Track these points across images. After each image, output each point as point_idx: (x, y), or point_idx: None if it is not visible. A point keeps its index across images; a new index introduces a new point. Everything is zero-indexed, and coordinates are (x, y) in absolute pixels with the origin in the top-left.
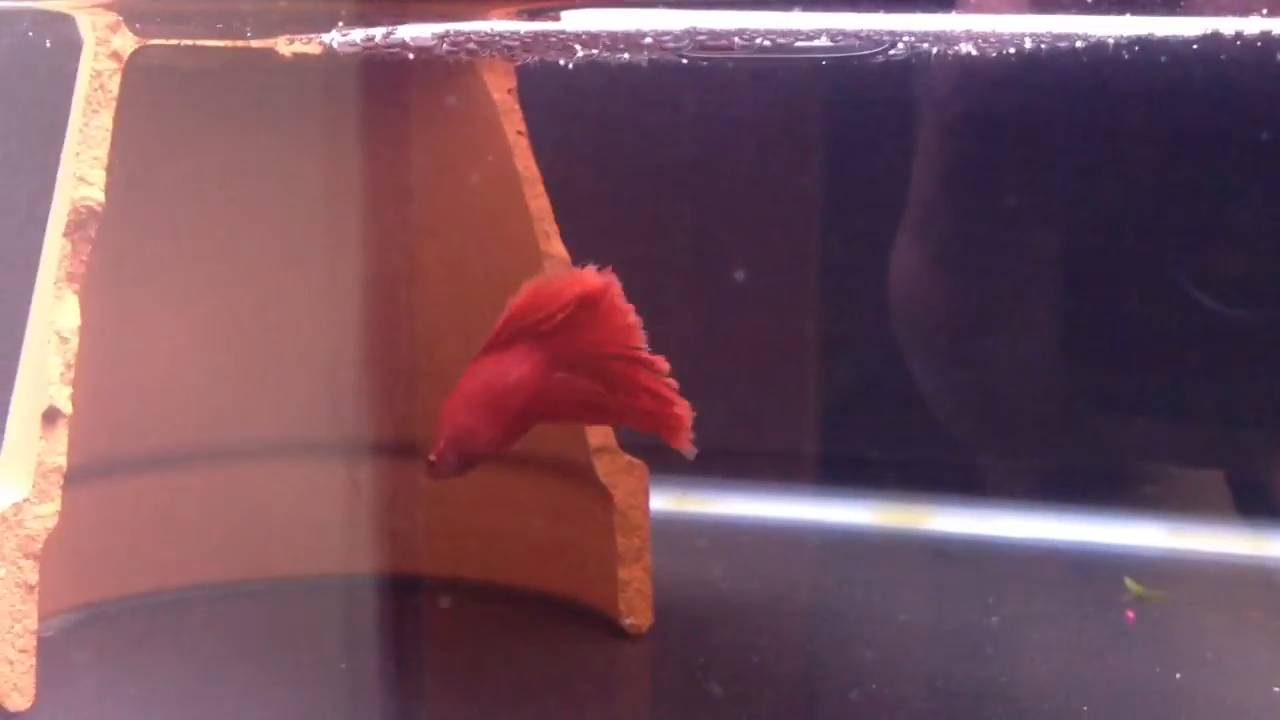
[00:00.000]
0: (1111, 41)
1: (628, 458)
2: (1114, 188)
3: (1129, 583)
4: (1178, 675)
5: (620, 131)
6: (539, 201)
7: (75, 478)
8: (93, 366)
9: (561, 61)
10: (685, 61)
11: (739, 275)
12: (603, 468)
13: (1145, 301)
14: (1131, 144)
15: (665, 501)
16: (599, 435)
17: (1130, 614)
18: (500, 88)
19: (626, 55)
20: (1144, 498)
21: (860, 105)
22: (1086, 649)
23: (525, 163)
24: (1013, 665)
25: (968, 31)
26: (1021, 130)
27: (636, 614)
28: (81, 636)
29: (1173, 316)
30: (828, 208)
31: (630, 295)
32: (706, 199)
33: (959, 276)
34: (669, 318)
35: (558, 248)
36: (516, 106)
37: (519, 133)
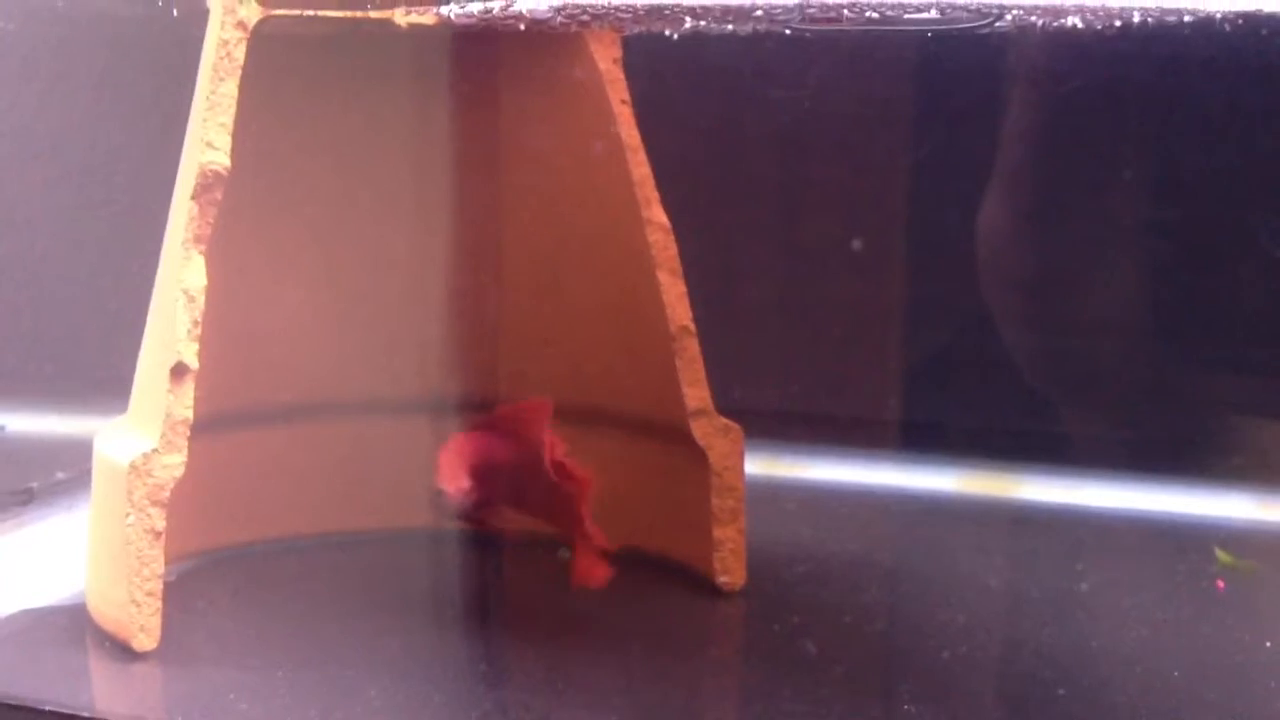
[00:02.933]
0: (1219, 15)
1: (723, 420)
2: (1204, 155)
3: (1219, 552)
4: (1268, 643)
5: (711, 99)
6: (641, 169)
7: (194, 430)
8: (211, 324)
9: (668, 33)
10: (789, 33)
11: (856, 244)
12: (699, 430)
13: (1231, 264)
14: (1223, 115)
15: (755, 466)
16: (695, 398)
17: (1220, 583)
18: (606, 58)
19: (732, 27)
20: (1232, 469)
21: (947, 73)
22: (1177, 616)
23: (629, 131)
24: (1104, 631)
25: (1077, 5)
26: (1115, 98)
27: (731, 573)
28: (201, 582)
29: (1261, 280)
30: (914, 175)
31: (717, 261)
32: (793, 167)
33: (1046, 238)
34: (755, 283)
35: (658, 214)
36: (621, 76)
37: (623, 101)
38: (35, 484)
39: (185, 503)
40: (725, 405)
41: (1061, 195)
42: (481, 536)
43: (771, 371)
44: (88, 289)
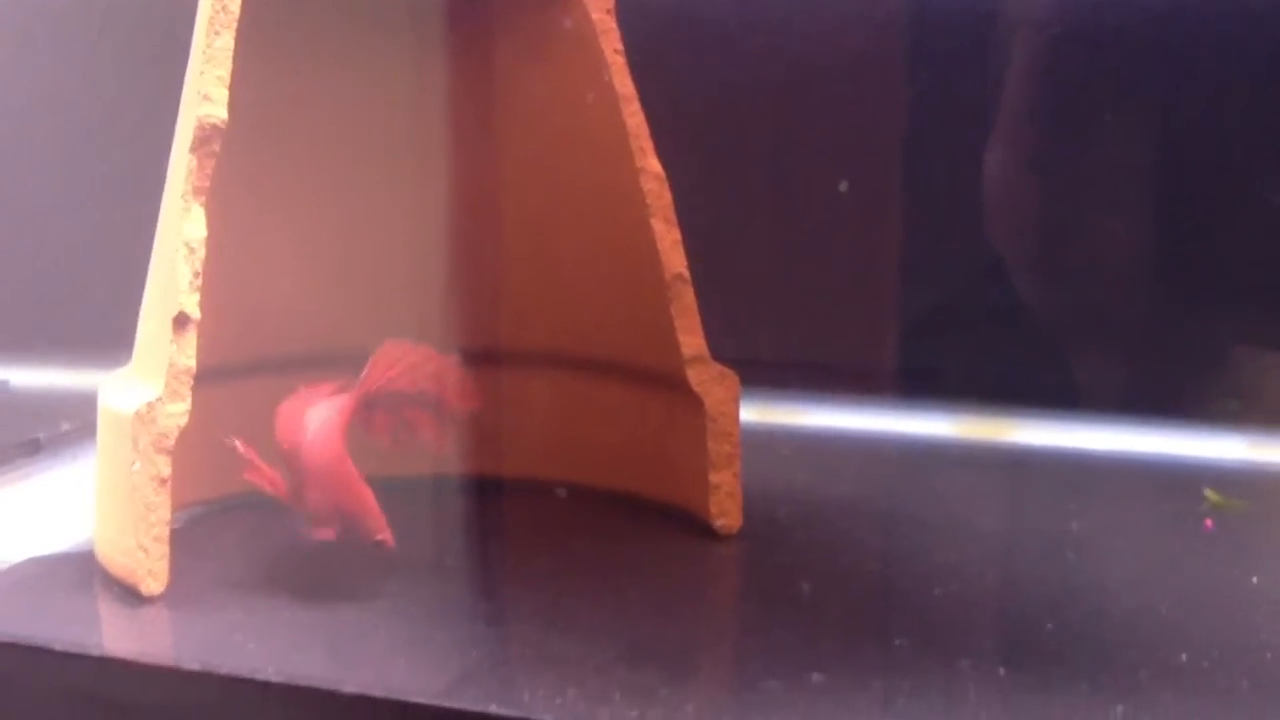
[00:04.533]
0: None
1: (719, 367)
2: (1204, 101)
3: (1208, 493)
4: (1254, 579)
5: (705, 48)
6: (635, 118)
7: (198, 380)
8: (212, 276)
9: None
10: None
11: (841, 187)
12: (695, 377)
13: (1229, 210)
14: (1224, 56)
15: (751, 413)
16: (691, 346)
17: (1209, 522)
18: (599, 8)
19: None
20: (1225, 412)
21: (944, 16)
22: (1165, 554)
23: (622, 80)
24: (1092, 568)
25: None
26: (1117, 45)
27: (727, 516)
28: (208, 529)
29: (1259, 225)
30: (912, 124)
31: (716, 212)
32: (790, 116)
33: (1049, 181)
34: (755, 232)
35: (653, 163)
36: (614, 26)
37: (616, 51)
38: (41, 435)
39: (191, 452)
40: (722, 354)
41: (1065, 138)
42: (482, 482)
43: (769, 320)
44: (89, 245)
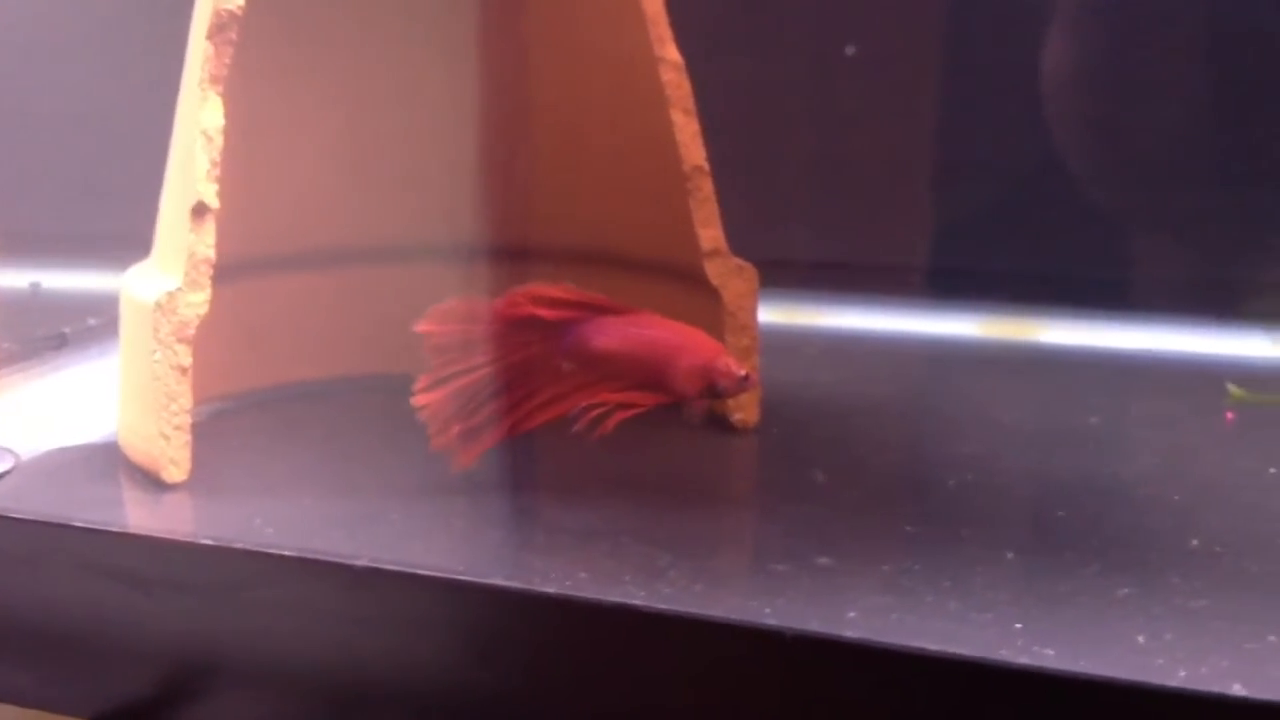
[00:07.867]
0: None
1: (737, 260)
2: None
3: (1230, 387)
4: (1271, 470)
5: None
6: (654, 5)
7: (218, 276)
8: (232, 170)
9: None
10: None
11: (848, 50)
12: (713, 270)
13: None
14: None
15: (778, 314)
16: (709, 239)
17: (1230, 415)
18: None
19: None
20: (1251, 312)
21: None
22: (1183, 446)
23: None
24: (1110, 460)
25: None
26: None
27: (744, 410)
28: (232, 422)
29: None
30: (954, 24)
31: (745, 111)
32: (830, 7)
33: (1110, 73)
34: (785, 134)
35: (671, 52)
36: None
37: None
38: (67, 330)
39: (215, 346)
40: (741, 251)
41: (1123, 35)
42: None
43: (799, 221)
44: (117, 144)
